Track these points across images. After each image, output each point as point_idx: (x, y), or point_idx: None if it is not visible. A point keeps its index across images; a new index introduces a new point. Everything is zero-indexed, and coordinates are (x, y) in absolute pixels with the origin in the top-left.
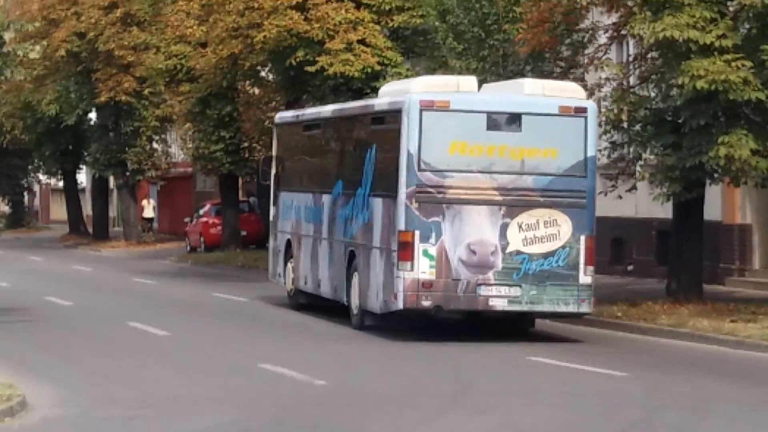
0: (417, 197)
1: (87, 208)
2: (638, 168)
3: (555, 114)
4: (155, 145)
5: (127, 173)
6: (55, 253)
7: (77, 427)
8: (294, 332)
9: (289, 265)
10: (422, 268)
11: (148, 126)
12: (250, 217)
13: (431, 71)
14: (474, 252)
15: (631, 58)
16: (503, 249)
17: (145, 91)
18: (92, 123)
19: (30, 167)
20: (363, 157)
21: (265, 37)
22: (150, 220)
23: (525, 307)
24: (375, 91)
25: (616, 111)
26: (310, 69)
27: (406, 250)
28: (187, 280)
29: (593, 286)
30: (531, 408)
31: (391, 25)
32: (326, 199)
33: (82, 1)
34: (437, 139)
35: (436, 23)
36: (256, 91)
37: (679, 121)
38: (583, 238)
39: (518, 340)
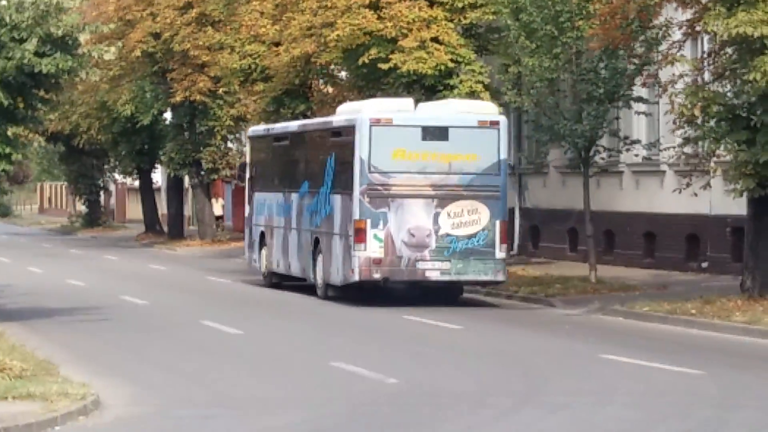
0: (368, 193)
1: (162, 207)
2: (712, 164)
3: (475, 126)
4: (230, 145)
5: (202, 172)
6: (130, 252)
7: (150, 426)
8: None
9: (264, 252)
10: (373, 249)
11: (223, 125)
12: None
13: (504, 68)
14: (413, 235)
15: (705, 55)
16: (436, 232)
17: (220, 91)
18: (167, 123)
19: (106, 167)
20: (324, 163)
21: (338, 35)
22: (219, 218)
23: (454, 277)
24: (448, 88)
25: (689, 107)
26: (383, 67)
27: (360, 235)
28: (260, 279)
29: (506, 260)
30: (603, 407)
31: (464, 22)
32: (294, 197)
33: (158, 1)
34: (383, 147)
35: (509, 21)
36: (330, 89)
37: (753, 117)
38: (498, 222)
39: (588, 338)
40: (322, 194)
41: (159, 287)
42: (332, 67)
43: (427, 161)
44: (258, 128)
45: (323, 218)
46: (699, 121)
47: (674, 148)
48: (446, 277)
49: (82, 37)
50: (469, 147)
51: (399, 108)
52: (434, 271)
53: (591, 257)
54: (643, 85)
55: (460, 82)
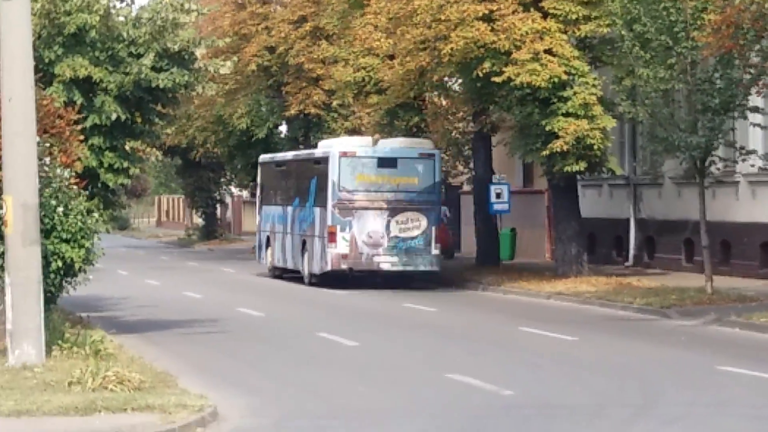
0: (338, 206)
1: None
2: None
3: (416, 157)
4: None
5: None
6: (246, 264)
7: None
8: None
9: (269, 252)
10: (341, 247)
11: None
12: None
13: (618, 80)
14: (371, 237)
15: None
16: (387, 235)
17: (334, 104)
18: (282, 136)
19: (222, 180)
20: (309, 184)
21: (452, 48)
22: None
23: (400, 268)
24: (561, 100)
25: None
26: (497, 80)
27: (332, 237)
28: (376, 291)
29: (440, 256)
30: (721, 418)
31: (577, 34)
32: (289, 209)
33: (273, 16)
34: (348, 173)
35: (623, 32)
36: (444, 102)
37: None
38: (433, 228)
39: (705, 349)
40: (307, 207)
41: (274, 299)
42: (446, 79)
43: (381, 183)
44: (266, 156)
45: (308, 225)
46: None
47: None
48: (395, 268)
49: (198, 52)
50: (412, 172)
51: (361, 144)
52: (386, 263)
53: (707, 268)
54: (759, 94)
55: (574, 94)
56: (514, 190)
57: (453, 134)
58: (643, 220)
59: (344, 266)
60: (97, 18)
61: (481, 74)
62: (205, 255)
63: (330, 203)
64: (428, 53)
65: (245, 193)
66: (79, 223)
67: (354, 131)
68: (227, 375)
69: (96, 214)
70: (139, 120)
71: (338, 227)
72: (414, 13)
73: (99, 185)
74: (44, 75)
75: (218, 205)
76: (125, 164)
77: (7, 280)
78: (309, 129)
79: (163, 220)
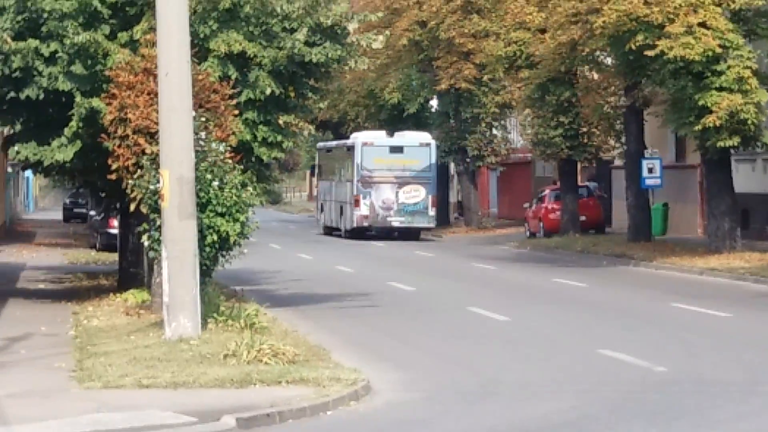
0: (361, 181)
1: None
2: None
3: (417, 145)
4: (495, 132)
5: (467, 159)
6: (397, 238)
7: (420, 412)
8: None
9: (322, 215)
10: (363, 210)
11: (488, 112)
12: (589, 201)
13: None
14: (384, 203)
15: None
16: (397, 202)
17: (485, 78)
18: (433, 110)
19: None
20: (344, 165)
21: (604, 22)
22: (458, 204)
23: (407, 224)
24: (715, 74)
25: None
26: (650, 53)
27: (357, 203)
28: (527, 266)
29: (434, 216)
30: None
31: (732, 6)
32: (333, 184)
33: None
34: (368, 157)
35: None
36: (595, 76)
37: None
38: (430, 197)
39: None
40: (343, 182)
41: (425, 273)
42: (598, 53)
43: (391, 164)
44: (320, 144)
45: (342, 195)
46: None
47: None
48: (403, 225)
49: (351, 27)
50: (414, 156)
51: (377, 137)
52: (396, 221)
53: None
54: None
55: (728, 67)
56: (667, 165)
57: (604, 108)
58: None
59: (365, 224)
60: None
61: (633, 47)
62: None
63: (355, 179)
64: (580, 27)
65: None
66: (234, 197)
67: (504, 105)
68: (379, 349)
69: (250, 188)
70: (292, 94)
71: (361, 196)
72: None
73: (253, 159)
74: (199, 50)
75: None
76: (279, 138)
77: (163, 253)
78: (460, 103)
79: (314, 194)
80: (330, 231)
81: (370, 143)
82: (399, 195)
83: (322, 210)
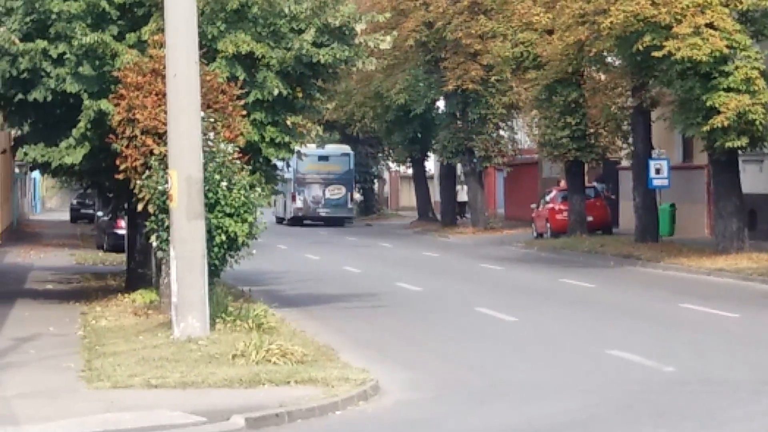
0: (296, 181)
1: (435, 195)
2: None
3: (339, 155)
4: (502, 132)
5: (474, 160)
6: (404, 239)
7: (428, 411)
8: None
9: (274, 208)
10: (298, 203)
11: (495, 113)
12: (596, 202)
13: None
14: (314, 198)
15: None
16: (324, 197)
17: (492, 79)
18: (440, 111)
19: (380, 155)
20: (287, 169)
21: (611, 22)
22: (463, 204)
23: (331, 214)
24: (723, 75)
25: None
26: (657, 54)
27: (293, 198)
28: (534, 266)
29: (352, 209)
30: None
31: (739, 7)
32: (281, 184)
33: None
34: (303, 163)
35: None
36: (602, 76)
37: None
38: (348, 193)
39: None
40: (286, 183)
41: (432, 274)
42: (605, 54)
43: (319, 168)
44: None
45: (288, 191)
46: None
47: None
48: (329, 215)
49: (358, 27)
50: (336, 163)
51: (309, 148)
52: (323, 212)
53: None
54: None
55: (736, 68)
56: (674, 166)
57: (612, 109)
58: None
59: (299, 214)
60: None
61: (640, 48)
62: (364, 230)
63: (293, 179)
64: (587, 27)
65: (402, 169)
66: (242, 198)
67: (512, 106)
68: (387, 349)
69: (258, 189)
70: (300, 95)
71: (296, 192)
72: None
73: (261, 160)
74: (207, 51)
75: (376, 181)
76: (287, 139)
77: (172, 253)
78: (467, 104)
79: None
80: (280, 220)
81: (305, 154)
82: (325, 192)
83: (274, 204)
